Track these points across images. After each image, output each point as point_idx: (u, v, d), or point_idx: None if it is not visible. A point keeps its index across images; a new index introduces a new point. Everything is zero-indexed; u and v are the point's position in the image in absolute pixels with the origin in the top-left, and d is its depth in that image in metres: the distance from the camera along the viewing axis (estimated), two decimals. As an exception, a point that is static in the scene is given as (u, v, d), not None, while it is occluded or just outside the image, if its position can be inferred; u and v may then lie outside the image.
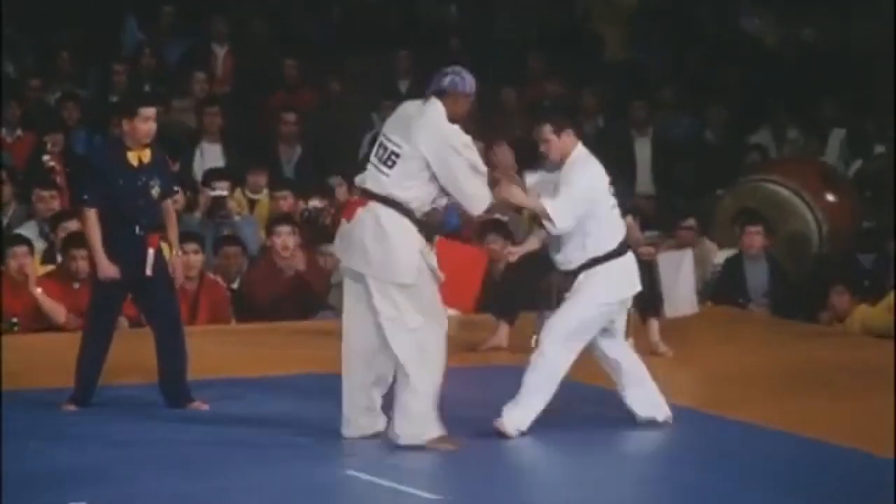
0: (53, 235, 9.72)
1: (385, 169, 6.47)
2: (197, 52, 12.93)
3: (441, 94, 6.59)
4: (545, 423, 6.86)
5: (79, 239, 9.25)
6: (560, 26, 14.32)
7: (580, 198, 6.67)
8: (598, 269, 6.74)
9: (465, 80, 6.60)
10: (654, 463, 6.60)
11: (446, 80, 6.59)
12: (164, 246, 7.33)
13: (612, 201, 6.81)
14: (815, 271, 10.49)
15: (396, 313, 6.45)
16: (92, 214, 7.06)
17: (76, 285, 9.08)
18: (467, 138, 6.52)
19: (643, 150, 12.26)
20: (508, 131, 12.42)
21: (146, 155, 7.10)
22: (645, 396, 6.88)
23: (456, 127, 6.53)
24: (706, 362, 8.57)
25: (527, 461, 6.61)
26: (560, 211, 6.64)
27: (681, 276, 8.70)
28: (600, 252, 6.74)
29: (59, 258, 9.37)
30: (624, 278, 6.81)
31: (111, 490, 6.04)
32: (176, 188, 7.56)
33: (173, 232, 7.25)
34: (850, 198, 10.96)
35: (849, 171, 12.25)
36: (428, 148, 6.45)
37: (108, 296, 7.13)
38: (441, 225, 9.86)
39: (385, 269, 6.42)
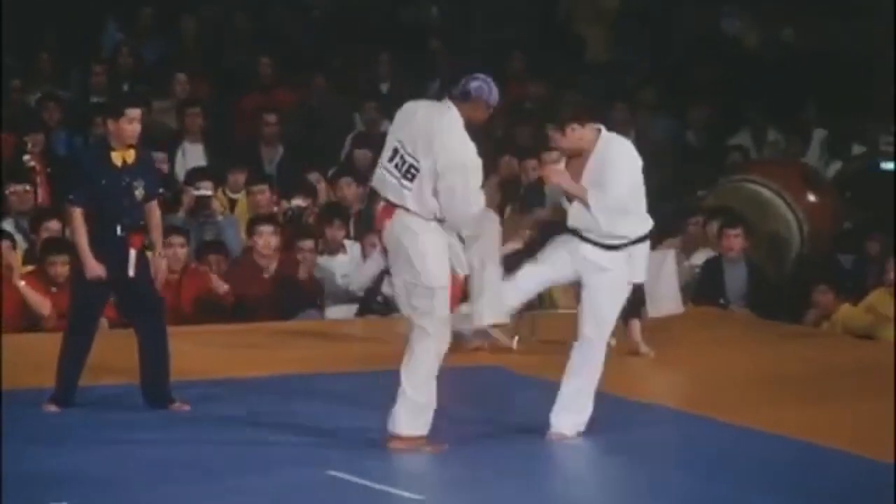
0: (35, 236, 9.70)
1: (406, 182, 6.50)
2: (173, 51, 12.92)
3: (464, 98, 6.55)
4: (532, 431, 6.86)
5: (57, 244, 9.25)
6: (542, 27, 14.33)
7: (625, 195, 6.64)
8: (621, 253, 6.70)
9: (492, 91, 6.59)
10: (645, 466, 6.55)
11: (473, 85, 6.56)
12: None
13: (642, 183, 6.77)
14: (796, 272, 10.52)
15: (423, 315, 6.54)
16: (78, 214, 7.05)
17: (54, 289, 9.06)
18: (477, 160, 6.49)
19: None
20: (489, 132, 12.47)
21: (130, 155, 7.11)
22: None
23: (471, 145, 6.51)
24: (692, 363, 8.58)
25: (510, 462, 6.59)
26: (604, 213, 6.61)
27: (663, 275, 8.72)
28: (633, 235, 6.69)
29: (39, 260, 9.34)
30: (642, 264, 6.80)
31: (92, 491, 6.02)
32: (161, 189, 7.54)
33: (157, 233, 7.25)
34: (831, 199, 10.99)
35: (828, 172, 12.28)
36: (443, 165, 6.45)
37: (90, 296, 7.12)
38: None
39: (419, 274, 6.47)
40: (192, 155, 11.45)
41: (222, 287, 9.36)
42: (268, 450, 6.66)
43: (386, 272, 9.61)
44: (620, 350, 8.51)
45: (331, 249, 10.16)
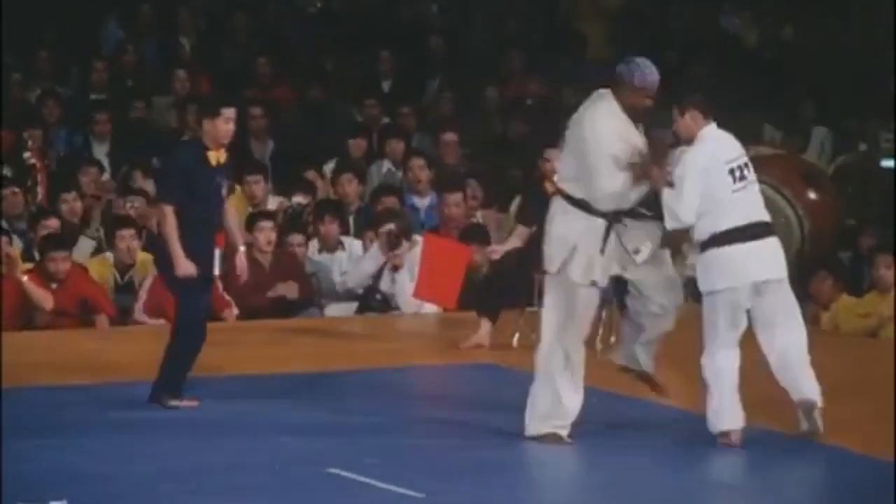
0: (33, 234, 9.68)
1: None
2: (170, 47, 12.91)
3: (615, 83, 6.55)
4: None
5: (57, 240, 9.22)
6: (543, 25, 14.32)
7: (693, 189, 6.55)
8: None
9: (633, 72, 6.53)
10: (653, 463, 6.51)
11: (617, 69, 6.58)
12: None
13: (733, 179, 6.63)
14: (796, 269, 10.48)
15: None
16: (171, 212, 7.05)
17: (54, 286, 9.05)
18: (602, 147, 6.44)
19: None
20: (488, 130, 12.46)
21: (223, 155, 7.14)
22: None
23: (600, 133, 6.47)
24: (687, 360, 8.55)
25: (512, 460, 6.58)
26: (673, 209, 6.54)
27: None
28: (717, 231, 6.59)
29: (38, 257, 9.32)
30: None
31: (91, 489, 6.01)
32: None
33: (237, 231, 7.31)
34: (832, 195, 10.96)
35: (829, 169, 12.27)
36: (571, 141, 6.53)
37: (192, 287, 7.09)
38: (411, 226, 9.94)
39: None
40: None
41: (231, 314, 9.36)
42: (269, 447, 6.65)
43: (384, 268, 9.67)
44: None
45: (328, 247, 10.15)
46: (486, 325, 8.64)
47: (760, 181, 10.71)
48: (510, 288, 8.65)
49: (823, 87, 13.11)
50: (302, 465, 6.40)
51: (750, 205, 6.69)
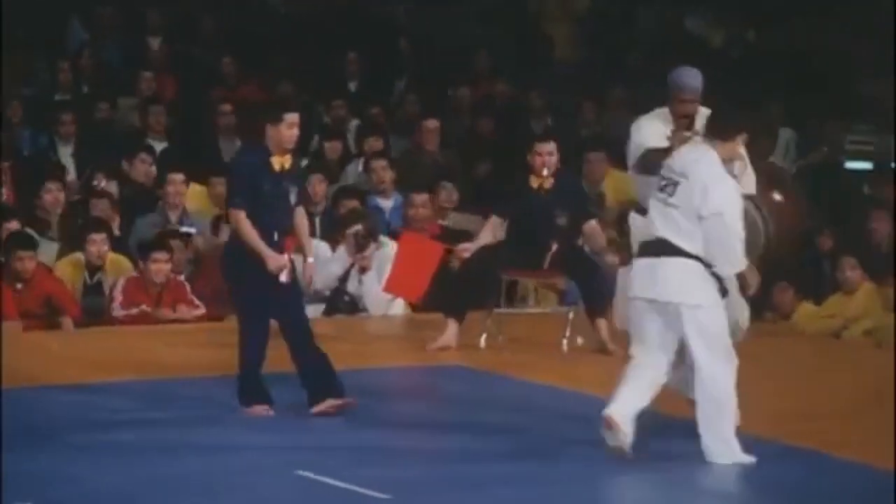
0: (-2, 234, 9.64)
1: None
2: (136, 48, 12.86)
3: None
4: (504, 431, 6.85)
5: (23, 239, 9.16)
6: (510, 27, 14.34)
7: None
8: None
9: (673, 79, 6.76)
10: (629, 469, 6.52)
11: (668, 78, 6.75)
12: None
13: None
14: (761, 271, 10.53)
15: None
16: (243, 216, 6.99)
17: (19, 286, 9.00)
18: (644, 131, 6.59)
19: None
20: (458, 131, 12.46)
21: (288, 161, 7.10)
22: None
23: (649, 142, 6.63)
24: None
25: (476, 460, 6.59)
26: None
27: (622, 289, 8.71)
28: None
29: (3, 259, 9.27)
30: None
31: (58, 490, 5.98)
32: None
33: (307, 238, 7.24)
34: (797, 198, 11.01)
35: (793, 171, 12.33)
36: None
37: (258, 291, 7.02)
38: (378, 227, 9.94)
39: None
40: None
41: (198, 311, 9.32)
42: (236, 449, 6.63)
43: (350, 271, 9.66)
44: (588, 348, 8.54)
45: (295, 248, 10.10)
46: (452, 326, 8.65)
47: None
48: (477, 288, 8.66)
49: (788, 90, 13.18)
50: (269, 466, 6.38)
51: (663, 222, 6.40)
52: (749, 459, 6.34)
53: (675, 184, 6.32)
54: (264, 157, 7.07)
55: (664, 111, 6.66)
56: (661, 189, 6.34)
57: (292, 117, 7.04)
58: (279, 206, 7.05)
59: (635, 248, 6.66)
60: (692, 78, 6.72)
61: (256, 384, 7.07)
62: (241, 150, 7.72)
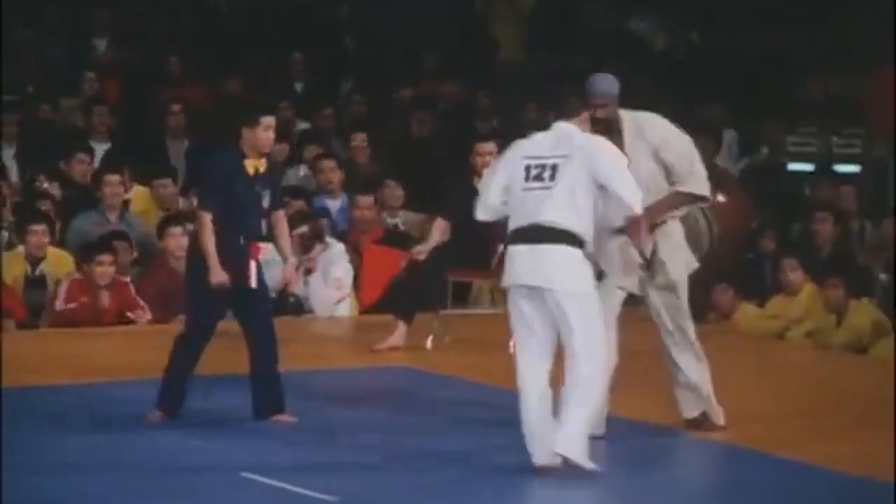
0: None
1: None
2: (81, 49, 12.77)
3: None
4: (446, 432, 6.85)
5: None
6: (456, 26, 14.36)
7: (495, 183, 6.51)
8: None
9: (587, 85, 6.69)
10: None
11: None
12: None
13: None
14: (705, 271, 10.61)
15: None
16: (207, 219, 6.91)
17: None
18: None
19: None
20: (399, 130, 12.47)
21: (262, 164, 7.00)
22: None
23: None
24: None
25: (424, 463, 6.59)
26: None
27: None
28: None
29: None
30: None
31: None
32: (285, 199, 7.33)
33: (286, 242, 7.13)
34: (741, 198, 11.11)
35: (736, 172, 12.42)
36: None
37: (211, 303, 6.96)
38: (324, 229, 9.95)
39: None
40: (99, 154, 11.30)
41: (144, 317, 9.27)
42: (181, 451, 6.60)
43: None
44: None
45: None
46: (401, 328, 8.65)
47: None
48: (426, 289, 8.67)
49: (731, 91, 13.28)
50: (215, 468, 6.36)
51: (538, 207, 6.20)
52: (592, 467, 6.17)
53: (554, 165, 6.22)
54: (238, 159, 7.01)
55: (584, 116, 6.58)
56: (537, 176, 6.22)
57: (269, 120, 6.97)
58: (250, 210, 6.99)
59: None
60: (606, 83, 6.71)
61: (178, 389, 7.01)
62: (215, 152, 7.65)
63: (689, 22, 14.50)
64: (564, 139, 6.29)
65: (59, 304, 9.16)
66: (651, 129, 6.85)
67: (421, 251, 8.61)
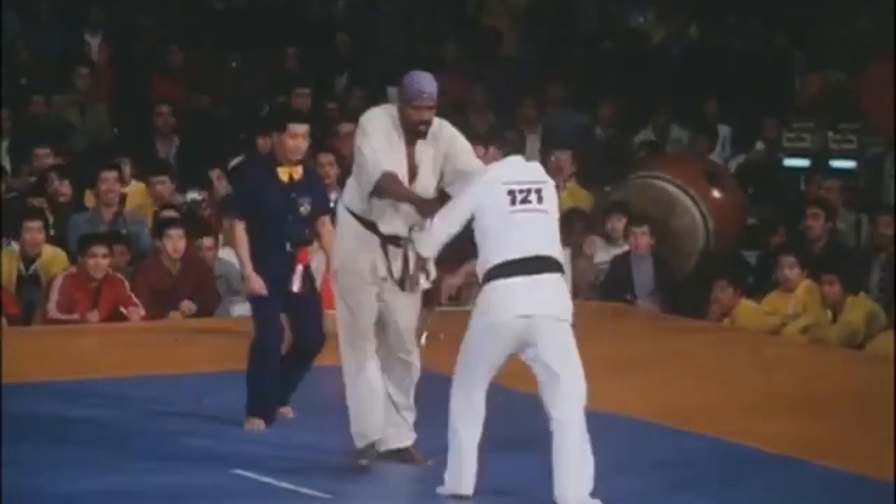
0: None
1: None
2: (76, 44, 12.76)
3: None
4: (441, 430, 6.82)
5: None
6: (451, 22, 14.34)
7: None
8: None
9: (409, 84, 6.27)
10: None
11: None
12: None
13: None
14: (701, 267, 10.62)
15: None
16: (240, 227, 6.88)
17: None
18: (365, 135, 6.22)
19: (532, 147, 12.34)
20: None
21: (298, 171, 6.92)
22: None
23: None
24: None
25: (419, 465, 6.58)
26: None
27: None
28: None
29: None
30: None
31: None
32: (331, 205, 7.12)
33: (330, 248, 6.92)
34: (735, 194, 11.11)
35: (732, 168, 12.42)
36: None
37: (265, 303, 6.92)
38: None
39: None
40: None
41: (138, 313, 9.24)
42: (174, 448, 6.60)
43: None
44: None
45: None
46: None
47: (665, 180, 10.92)
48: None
49: (727, 86, 13.27)
50: (207, 465, 6.36)
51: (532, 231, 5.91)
52: None
53: (538, 190, 5.95)
54: (268, 167, 6.94)
55: (391, 114, 6.27)
56: (523, 200, 5.89)
57: (296, 128, 6.86)
58: (290, 218, 6.85)
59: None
60: (430, 83, 6.27)
61: (265, 393, 6.96)
62: (247, 160, 7.59)
63: (687, 17, 14.48)
64: (533, 168, 6.07)
65: (51, 310, 9.08)
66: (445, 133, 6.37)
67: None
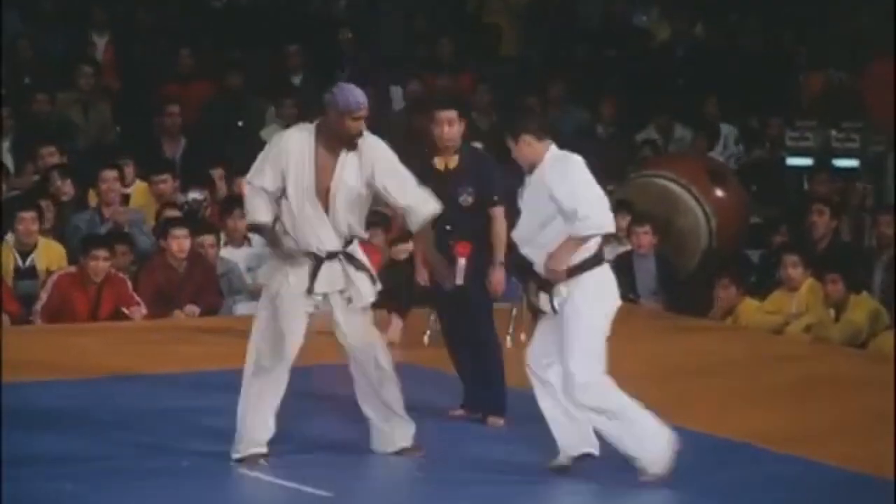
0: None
1: None
2: (79, 43, 12.77)
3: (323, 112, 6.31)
4: (443, 428, 6.83)
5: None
6: (454, 20, 14.34)
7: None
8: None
9: (343, 96, 6.23)
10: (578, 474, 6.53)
11: (324, 97, 6.28)
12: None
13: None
14: (704, 266, 10.63)
15: None
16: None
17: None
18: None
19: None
20: (399, 123, 12.45)
21: (453, 161, 6.82)
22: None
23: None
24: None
25: (419, 459, 6.58)
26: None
27: None
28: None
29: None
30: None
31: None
32: (496, 197, 6.91)
33: (497, 241, 6.83)
34: (738, 193, 11.12)
35: (735, 167, 12.43)
36: None
37: (447, 300, 6.89)
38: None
39: None
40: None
41: (139, 313, 9.23)
42: (176, 446, 6.60)
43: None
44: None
45: (234, 241, 10.10)
46: (396, 322, 8.62)
47: (668, 179, 10.92)
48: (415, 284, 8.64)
49: (731, 85, 13.27)
50: (211, 464, 6.35)
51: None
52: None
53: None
54: (427, 158, 6.86)
55: (308, 131, 6.27)
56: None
57: (442, 115, 6.79)
58: (447, 209, 6.52)
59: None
60: (362, 94, 6.25)
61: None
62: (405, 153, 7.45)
63: (692, 16, 14.49)
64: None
65: (34, 314, 9.01)
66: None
67: (403, 250, 8.58)
